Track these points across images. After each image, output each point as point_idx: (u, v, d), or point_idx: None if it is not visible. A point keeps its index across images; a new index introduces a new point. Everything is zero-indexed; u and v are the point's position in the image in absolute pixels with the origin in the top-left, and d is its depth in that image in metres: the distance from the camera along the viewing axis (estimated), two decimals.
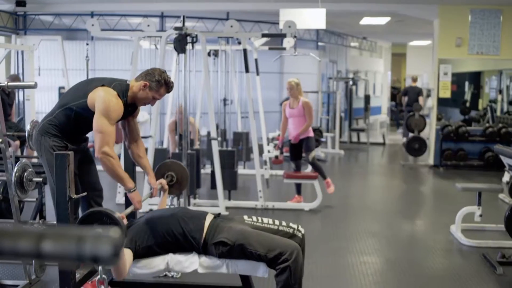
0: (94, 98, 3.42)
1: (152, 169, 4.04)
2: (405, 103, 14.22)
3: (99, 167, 3.98)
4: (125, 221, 3.09)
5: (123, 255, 3.01)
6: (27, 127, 4.44)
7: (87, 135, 3.85)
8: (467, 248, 5.41)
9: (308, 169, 9.15)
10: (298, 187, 7.18)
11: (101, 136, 3.35)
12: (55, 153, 2.88)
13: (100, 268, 2.92)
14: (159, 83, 3.54)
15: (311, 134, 7.16)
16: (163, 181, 3.91)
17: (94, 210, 2.85)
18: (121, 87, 3.51)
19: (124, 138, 3.81)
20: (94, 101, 3.41)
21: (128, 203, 3.70)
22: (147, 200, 6.20)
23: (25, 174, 3.89)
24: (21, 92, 9.64)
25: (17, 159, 4.24)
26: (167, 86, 3.60)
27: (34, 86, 3.94)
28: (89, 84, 3.56)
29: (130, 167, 3.90)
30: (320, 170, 7.31)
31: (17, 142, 7.34)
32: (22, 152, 7.69)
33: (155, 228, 3.23)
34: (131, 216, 3.52)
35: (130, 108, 3.64)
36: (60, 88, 10.16)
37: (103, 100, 3.38)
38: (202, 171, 8.19)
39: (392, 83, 22.05)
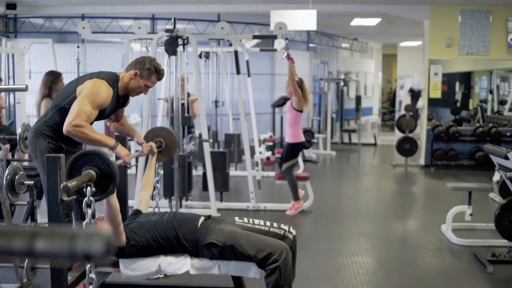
0: (82, 88, 3.43)
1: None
2: None
3: None
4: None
5: (114, 200, 3.05)
6: (18, 130, 4.43)
7: None
8: (458, 247, 5.44)
9: (300, 170, 9.18)
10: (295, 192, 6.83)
11: (75, 113, 3.31)
12: (46, 156, 2.88)
13: (89, 268, 2.90)
14: (149, 70, 3.56)
15: (295, 140, 6.69)
16: (152, 144, 3.89)
17: (87, 151, 2.80)
18: (110, 76, 3.52)
19: (109, 122, 3.86)
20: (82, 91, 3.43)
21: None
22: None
23: (17, 177, 3.88)
24: (11, 95, 9.61)
25: (8, 162, 4.23)
26: (158, 73, 3.62)
27: (25, 89, 3.93)
28: (78, 81, 3.57)
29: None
30: (293, 185, 6.73)
31: (7, 146, 7.31)
32: (13, 156, 7.66)
33: (148, 231, 3.23)
34: (123, 217, 3.51)
35: (122, 100, 3.66)
36: None
37: (92, 87, 3.40)
38: (194, 172, 8.20)
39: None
